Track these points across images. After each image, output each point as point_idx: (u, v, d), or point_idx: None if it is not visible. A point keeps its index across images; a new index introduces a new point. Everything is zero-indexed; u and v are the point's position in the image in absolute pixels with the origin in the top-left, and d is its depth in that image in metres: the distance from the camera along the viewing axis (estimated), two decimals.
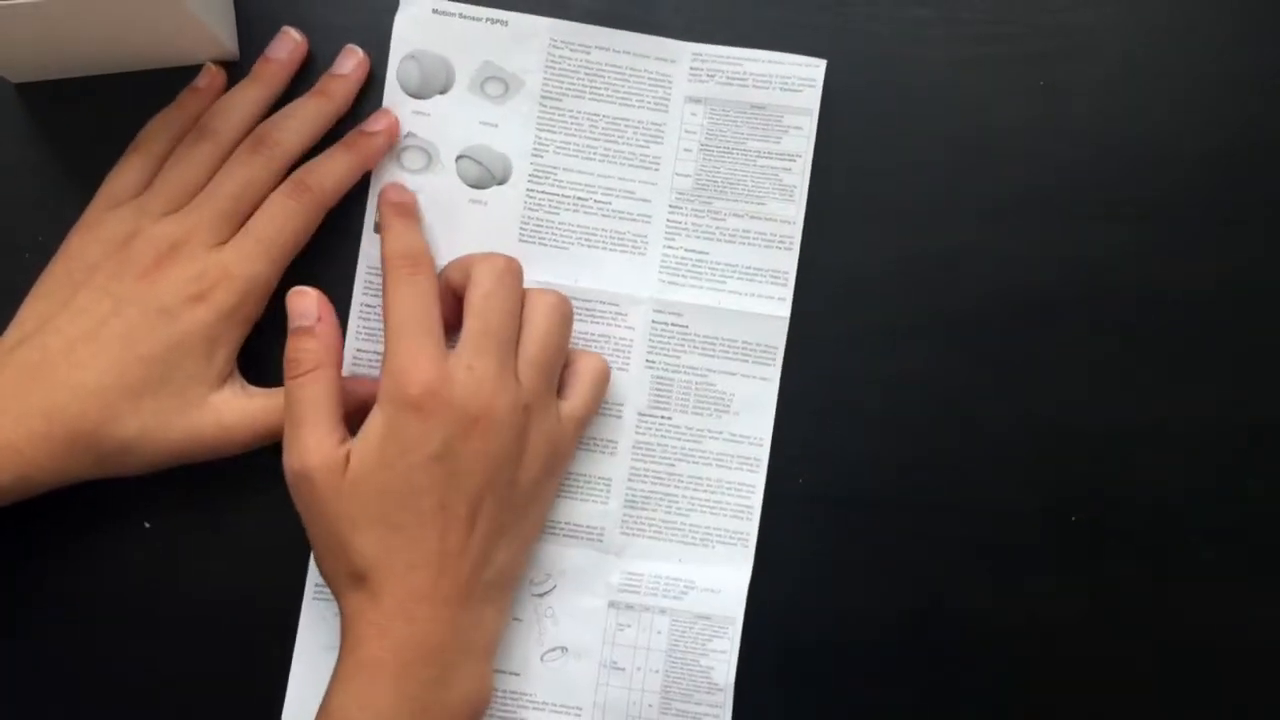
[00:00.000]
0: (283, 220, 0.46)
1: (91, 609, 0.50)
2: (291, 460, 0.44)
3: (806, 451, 0.51)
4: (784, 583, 0.51)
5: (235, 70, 0.50)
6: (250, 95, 0.48)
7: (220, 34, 0.48)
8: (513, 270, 0.47)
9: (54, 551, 0.49)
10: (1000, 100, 0.51)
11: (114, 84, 0.50)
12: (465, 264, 0.47)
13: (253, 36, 0.50)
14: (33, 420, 0.43)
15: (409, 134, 0.50)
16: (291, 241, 0.46)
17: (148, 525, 0.50)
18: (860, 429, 0.51)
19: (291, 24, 0.50)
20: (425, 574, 0.43)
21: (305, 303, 0.46)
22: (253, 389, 0.47)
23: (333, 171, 0.47)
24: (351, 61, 0.49)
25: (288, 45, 0.49)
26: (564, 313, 0.48)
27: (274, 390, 0.47)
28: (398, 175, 0.50)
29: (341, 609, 0.44)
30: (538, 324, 0.46)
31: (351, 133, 0.48)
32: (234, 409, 0.46)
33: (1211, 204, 0.51)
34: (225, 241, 0.46)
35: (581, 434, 0.49)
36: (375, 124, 0.48)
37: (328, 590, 0.49)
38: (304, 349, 0.45)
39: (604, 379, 0.49)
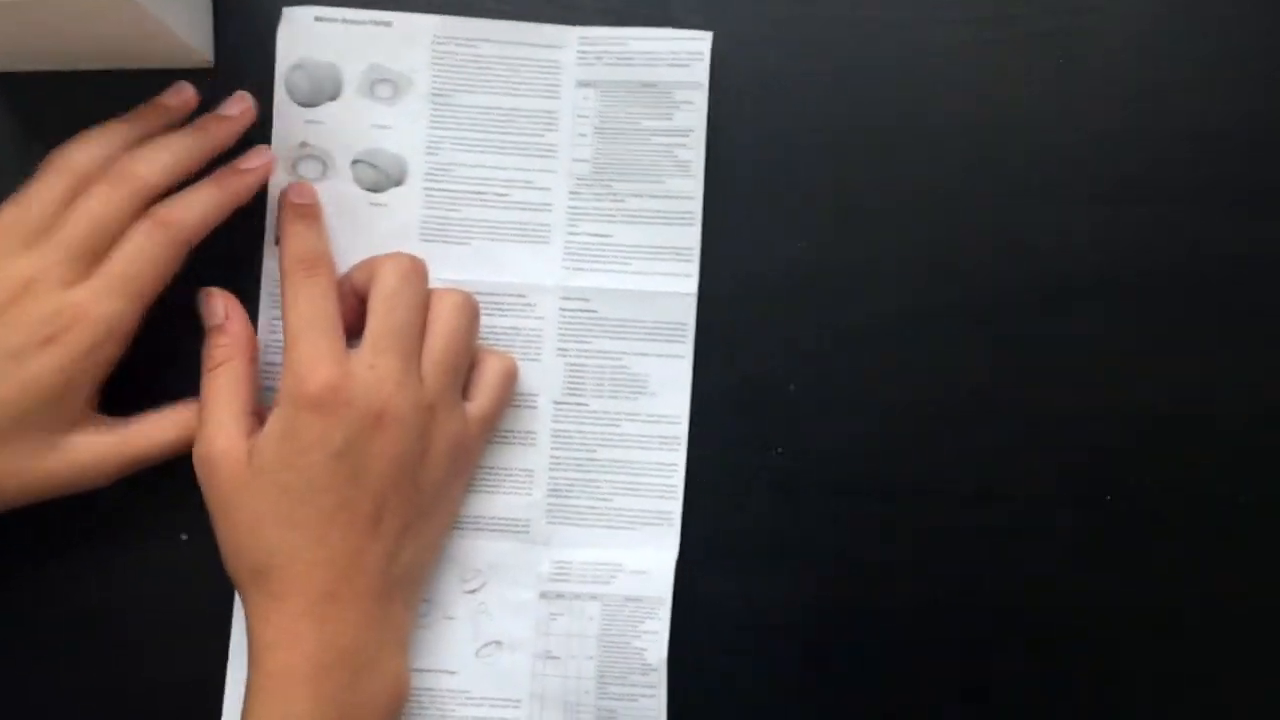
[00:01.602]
0: (141, 257, 0.44)
1: (23, 616, 0.50)
2: (199, 447, 0.44)
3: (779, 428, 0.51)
4: (807, 579, 0.51)
5: (210, 77, 0.50)
6: (125, 134, 0.46)
7: (191, 39, 0.47)
8: (417, 270, 0.47)
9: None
10: (1011, 79, 0.51)
11: (92, 80, 0.49)
12: (370, 265, 0.47)
13: (232, 40, 0.50)
14: None
15: (303, 144, 0.51)
16: (152, 278, 0.44)
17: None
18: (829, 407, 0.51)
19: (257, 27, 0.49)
20: (329, 572, 0.43)
21: (213, 302, 0.47)
22: (110, 422, 0.46)
23: (195, 208, 0.45)
24: (239, 107, 0.48)
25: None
26: (469, 311, 0.48)
27: (132, 419, 0.46)
28: None
29: (246, 611, 0.44)
30: (443, 322, 0.46)
31: (222, 169, 0.47)
32: (89, 448, 0.44)
33: (1232, 184, 0.51)
34: (81, 280, 0.43)
35: (488, 434, 0.49)
36: (249, 161, 0.47)
37: None
38: (216, 344, 0.46)
39: (510, 379, 0.49)
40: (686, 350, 0.51)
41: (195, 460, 0.44)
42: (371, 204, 0.50)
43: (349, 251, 0.50)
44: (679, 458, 0.51)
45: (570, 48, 0.51)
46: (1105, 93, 0.51)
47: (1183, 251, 0.51)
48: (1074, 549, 0.51)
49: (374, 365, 0.44)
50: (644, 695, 0.50)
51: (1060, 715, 0.51)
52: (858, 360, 0.51)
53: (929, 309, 0.51)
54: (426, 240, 0.50)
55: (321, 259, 0.46)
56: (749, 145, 0.51)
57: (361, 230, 0.50)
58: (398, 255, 0.47)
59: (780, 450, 0.51)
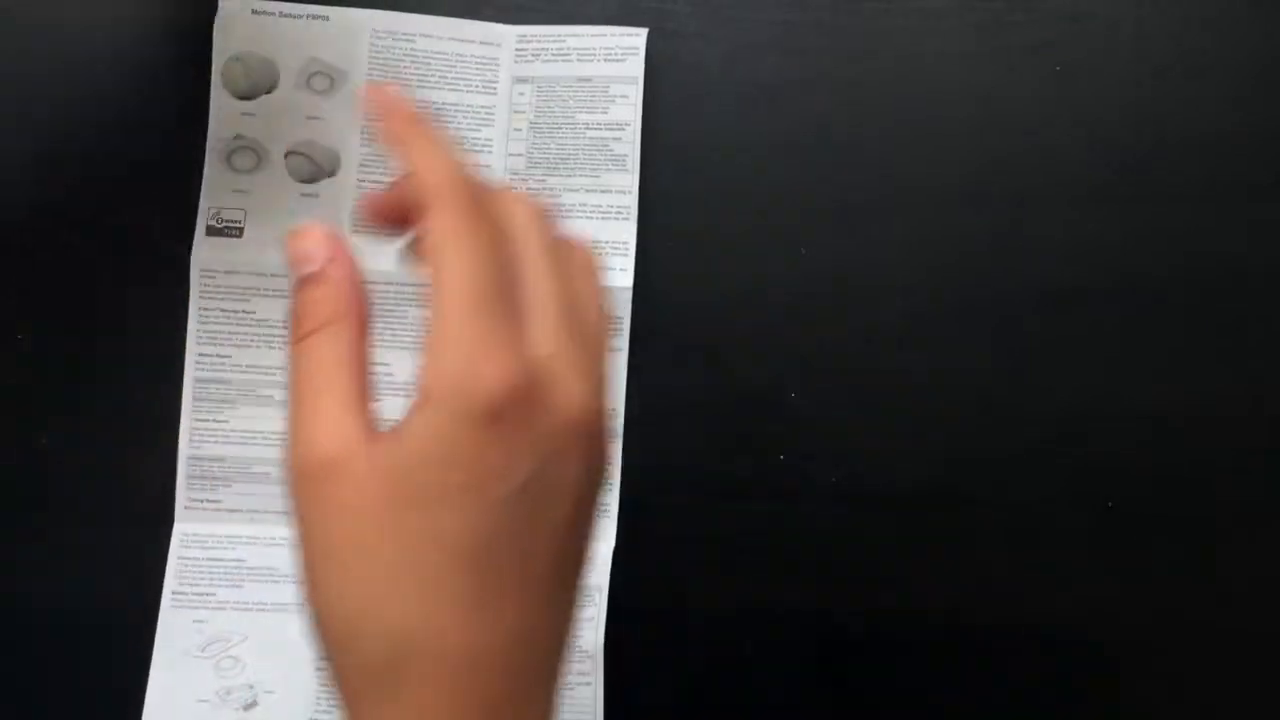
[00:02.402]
0: None
1: None
2: (297, 450, 0.28)
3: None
4: (809, 584, 0.51)
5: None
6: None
7: None
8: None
9: None
10: (1007, 85, 0.51)
11: None
12: (485, 199, 0.30)
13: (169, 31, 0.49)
14: None
15: (237, 135, 0.51)
16: None
17: None
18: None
19: None
20: (495, 672, 0.28)
21: (308, 244, 0.30)
22: None
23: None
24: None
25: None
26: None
27: None
28: (228, 178, 0.50)
29: (342, 699, 0.28)
30: (595, 293, 0.32)
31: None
32: None
33: (1229, 185, 0.51)
34: None
35: None
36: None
37: (186, 598, 0.49)
38: (310, 300, 0.30)
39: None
40: (623, 344, 0.51)
41: (289, 473, 0.29)
42: (303, 194, 0.50)
43: (275, 244, 0.50)
44: (615, 450, 0.51)
45: (508, 45, 0.52)
46: (1100, 98, 0.52)
47: (1182, 254, 0.51)
48: (1076, 553, 0.51)
49: (555, 355, 0.29)
50: (580, 682, 0.50)
51: (1064, 718, 0.51)
52: (857, 366, 0.51)
53: (928, 313, 0.51)
54: (357, 231, 0.50)
55: (485, 194, 0.30)
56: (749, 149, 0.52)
57: (292, 221, 0.50)
58: (523, 197, 0.31)
59: (782, 456, 0.51)
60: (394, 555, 0.27)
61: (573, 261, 0.31)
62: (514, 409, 0.27)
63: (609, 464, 0.31)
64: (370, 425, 0.28)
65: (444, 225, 0.28)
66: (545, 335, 0.29)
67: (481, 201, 0.29)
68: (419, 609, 0.27)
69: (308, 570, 0.28)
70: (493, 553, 0.28)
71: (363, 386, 0.29)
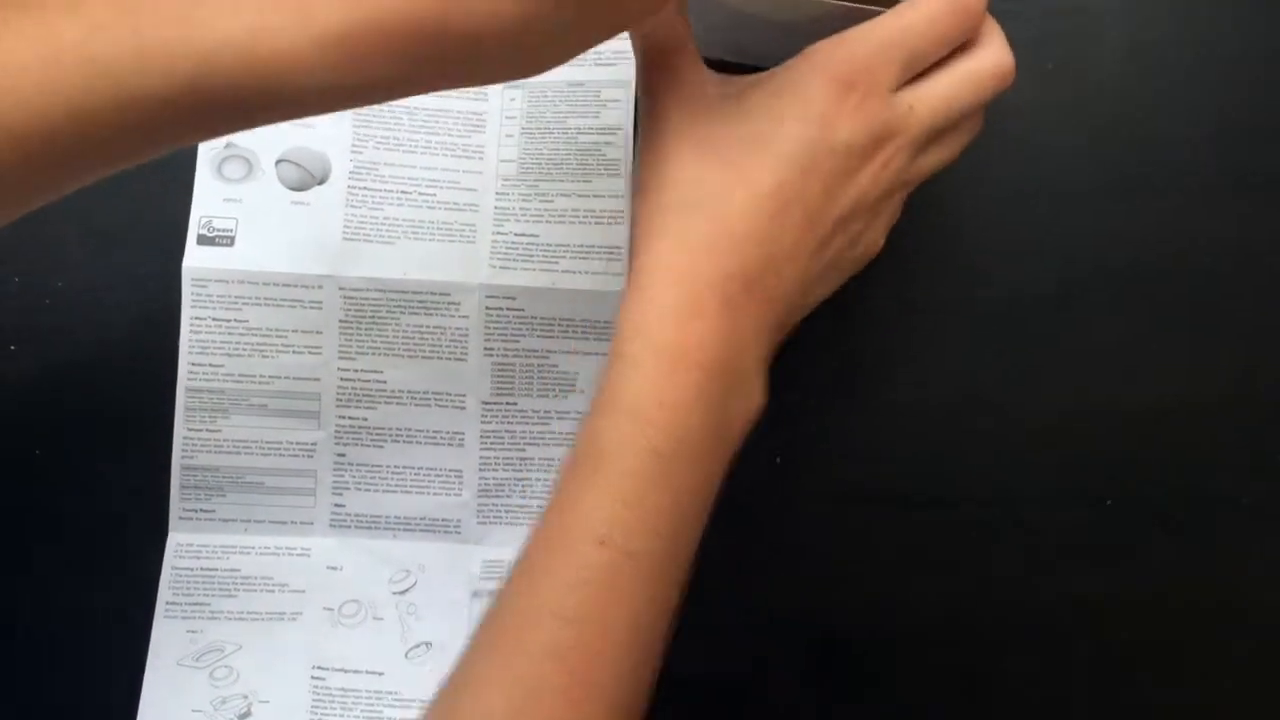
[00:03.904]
0: None
1: None
2: (661, 75, 0.38)
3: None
4: (807, 586, 0.51)
5: None
6: None
7: None
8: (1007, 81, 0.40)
9: None
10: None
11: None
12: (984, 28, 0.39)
13: None
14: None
15: (229, 144, 0.50)
16: None
17: None
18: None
19: None
20: (761, 258, 0.36)
21: None
22: None
23: None
24: None
25: None
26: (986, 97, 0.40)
27: None
28: (218, 187, 0.50)
29: (637, 273, 0.37)
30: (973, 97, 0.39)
31: None
32: None
33: (1229, 181, 0.51)
34: None
35: None
36: None
37: (180, 608, 0.49)
38: None
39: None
40: None
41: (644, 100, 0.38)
42: (293, 203, 0.50)
43: (266, 253, 0.50)
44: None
45: None
46: (1098, 93, 0.51)
47: (1178, 250, 0.51)
48: (1075, 551, 0.51)
49: (914, 108, 0.37)
50: None
51: (1064, 716, 0.51)
52: (853, 366, 0.51)
53: (927, 310, 0.51)
54: (349, 239, 0.50)
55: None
56: None
57: (283, 229, 0.50)
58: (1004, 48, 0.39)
59: (779, 459, 0.51)
60: (726, 142, 0.36)
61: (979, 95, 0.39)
62: (867, 95, 0.36)
63: (873, 251, 0.40)
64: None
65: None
66: (925, 96, 0.38)
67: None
68: (726, 182, 0.36)
69: (650, 140, 0.37)
70: (801, 178, 0.36)
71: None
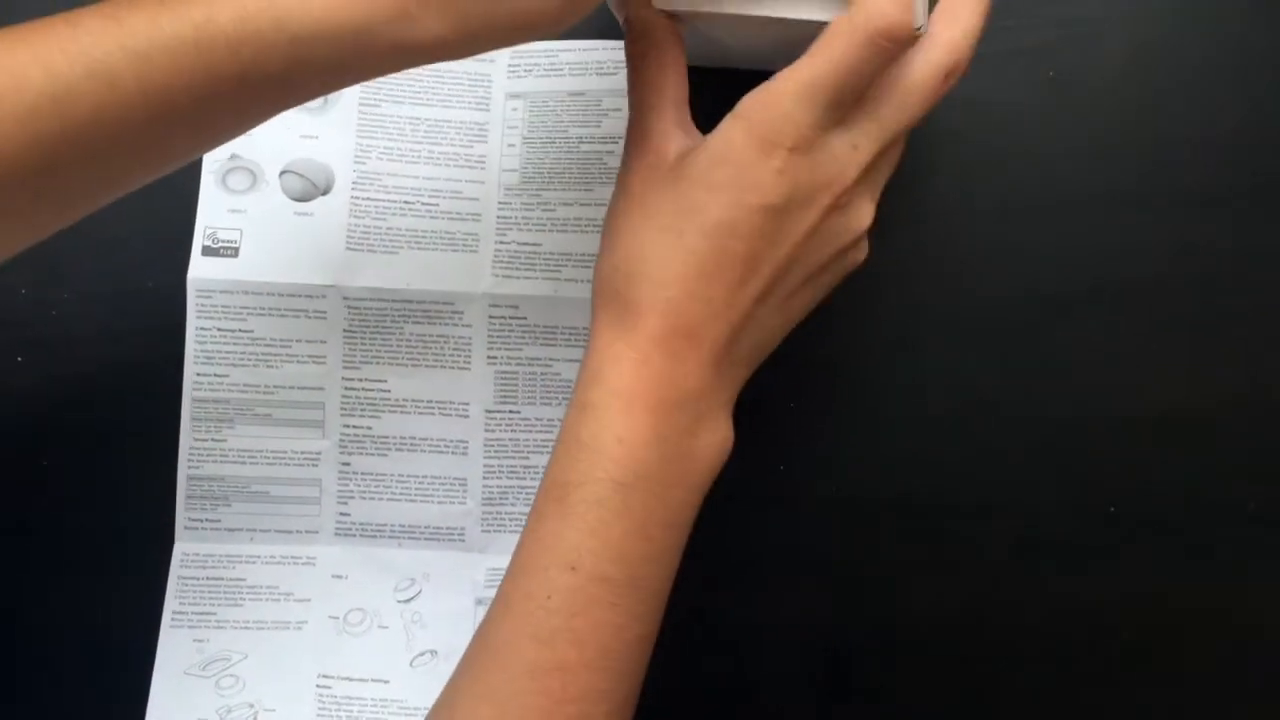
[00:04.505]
0: None
1: None
2: (647, 144, 0.40)
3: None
4: (810, 593, 0.51)
5: None
6: None
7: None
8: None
9: None
10: (1003, 90, 0.51)
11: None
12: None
13: None
14: None
15: (233, 155, 0.51)
16: None
17: None
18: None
19: None
20: (698, 312, 0.38)
21: None
22: None
23: None
24: None
25: None
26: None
27: None
28: (223, 198, 0.51)
29: (594, 333, 0.39)
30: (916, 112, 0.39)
31: None
32: None
33: (1227, 188, 0.51)
34: None
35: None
36: None
37: (186, 617, 0.49)
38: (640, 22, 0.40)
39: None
40: None
41: (627, 163, 0.40)
42: (296, 213, 0.51)
43: (270, 263, 0.50)
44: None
45: (500, 60, 0.52)
46: (1095, 101, 0.51)
47: (1178, 256, 0.51)
48: (1078, 556, 0.51)
49: (857, 146, 0.38)
50: None
51: None
52: (856, 374, 0.51)
53: (928, 318, 0.51)
54: (352, 249, 0.51)
55: None
56: None
57: (286, 240, 0.50)
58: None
59: (783, 467, 0.51)
60: (661, 212, 0.38)
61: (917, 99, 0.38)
62: (793, 158, 0.36)
63: (854, 265, 0.41)
64: (685, 123, 0.39)
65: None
66: (860, 130, 0.37)
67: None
68: (663, 252, 0.37)
69: (610, 219, 0.40)
70: (730, 237, 0.37)
71: (683, 91, 0.40)
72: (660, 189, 0.38)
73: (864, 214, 0.40)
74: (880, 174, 0.40)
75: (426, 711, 0.48)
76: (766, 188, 0.37)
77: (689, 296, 0.38)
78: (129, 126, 0.34)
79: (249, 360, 0.50)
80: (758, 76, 0.38)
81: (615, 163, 0.50)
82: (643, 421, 0.38)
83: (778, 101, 0.37)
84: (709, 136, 0.38)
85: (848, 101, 0.37)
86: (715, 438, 0.40)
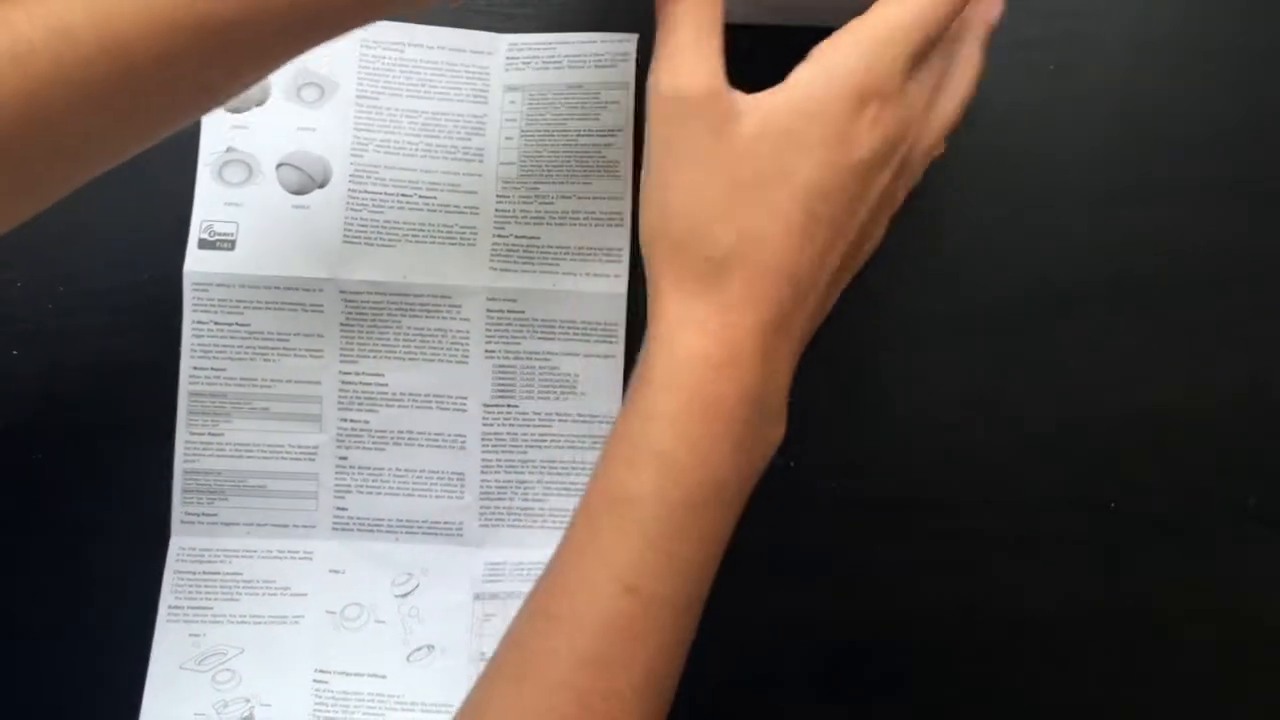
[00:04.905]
0: None
1: None
2: (665, 77, 0.35)
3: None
4: (816, 590, 0.50)
5: None
6: None
7: None
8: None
9: None
10: (1004, 85, 0.51)
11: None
12: None
13: None
14: None
15: (229, 149, 0.51)
16: None
17: None
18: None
19: None
20: (790, 294, 0.35)
21: None
22: None
23: None
24: None
25: None
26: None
27: None
28: (219, 191, 0.50)
29: (659, 304, 0.35)
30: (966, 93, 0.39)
31: None
32: None
33: (1228, 185, 0.51)
34: None
35: None
36: None
37: (182, 611, 0.49)
38: None
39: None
40: (618, 350, 0.51)
41: (656, 93, 0.35)
42: (294, 206, 0.50)
43: (267, 256, 0.50)
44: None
45: (499, 53, 0.51)
46: (1097, 96, 0.51)
47: (1180, 252, 0.51)
48: (1078, 554, 0.50)
49: (932, 103, 0.37)
50: None
51: (1067, 718, 0.51)
52: (861, 371, 0.51)
53: (928, 316, 0.51)
54: (349, 241, 0.50)
55: None
56: None
57: (283, 233, 0.50)
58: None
59: (792, 464, 0.51)
60: (750, 178, 0.34)
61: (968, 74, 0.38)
62: (886, 108, 0.34)
63: (878, 245, 0.38)
64: (721, 71, 0.35)
65: None
66: (927, 81, 0.36)
67: None
68: (751, 221, 0.34)
69: (664, 174, 0.35)
70: (826, 203, 0.34)
71: (720, 31, 0.35)
72: (739, 156, 0.34)
73: (913, 176, 0.38)
74: (937, 131, 0.38)
75: (424, 706, 0.48)
76: (860, 141, 0.34)
77: (783, 277, 0.34)
78: (91, 88, 0.32)
79: (246, 354, 0.50)
80: (809, 35, 0.36)
81: (615, 156, 0.50)
82: (724, 432, 0.34)
83: (871, 53, 0.34)
84: (777, 90, 0.35)
85: (929, 49, 0.36)
86: (779, 431, 0.37)
